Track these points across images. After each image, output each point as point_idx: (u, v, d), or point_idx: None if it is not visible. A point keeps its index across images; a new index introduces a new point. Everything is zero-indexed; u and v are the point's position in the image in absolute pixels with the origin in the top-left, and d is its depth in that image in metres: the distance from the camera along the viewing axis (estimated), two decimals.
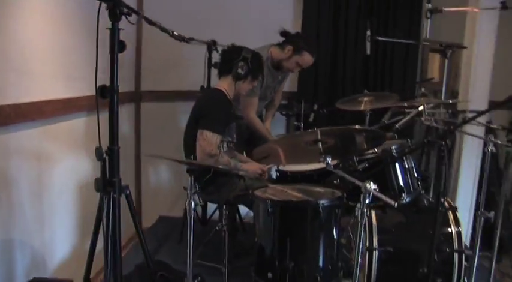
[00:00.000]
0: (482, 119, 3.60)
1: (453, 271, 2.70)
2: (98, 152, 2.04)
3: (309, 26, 4.46)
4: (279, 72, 3.74)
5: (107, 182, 2.07)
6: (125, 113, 3.91)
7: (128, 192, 2.15)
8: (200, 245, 3.84)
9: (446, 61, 3.38)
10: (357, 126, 2.50)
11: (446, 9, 3.00)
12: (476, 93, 3.88)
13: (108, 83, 2.03)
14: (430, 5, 2.94)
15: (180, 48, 3.62)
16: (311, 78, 4.52)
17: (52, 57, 2.73)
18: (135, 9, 2.08)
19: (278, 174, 3.18)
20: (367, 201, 1.94)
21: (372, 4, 4.45)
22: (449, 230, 2.80)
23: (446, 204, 2.90)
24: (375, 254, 2.70)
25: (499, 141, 2.36)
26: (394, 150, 2.59)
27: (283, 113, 4.40)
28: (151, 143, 4.30)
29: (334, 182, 2.68)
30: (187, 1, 4.25)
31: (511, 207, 4.24)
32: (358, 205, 1.97)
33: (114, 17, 1.98)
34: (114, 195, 2.07)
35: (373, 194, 1.92)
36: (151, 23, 2.30)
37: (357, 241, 1.97)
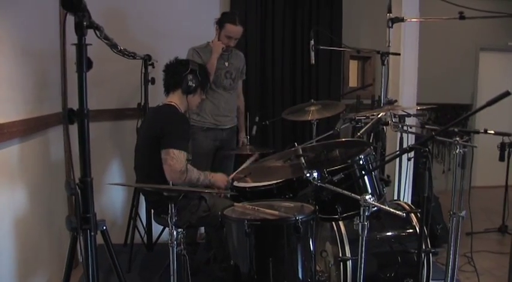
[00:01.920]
0: (412, 122, 3.80)
1: (422, 271, 2.78)
2: (69, 185, 1.80)
3: None
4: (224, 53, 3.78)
5: (81, 219, 1.83)
6: (53, 136, 3.59)
7: (104, 228, 1.94)
8: (148, 271, 3.66)
9: (383, 68, 3.47)
10: (342, 139, 2.47)
11: (408, 19, 3.08)
12: (405, 96, 4.07)
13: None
14: (391, 14, 3.00)
15: (112, 65, 3.43)
16: (242, 91, 4.48)
17: None
18: (97, 24, 1.89)
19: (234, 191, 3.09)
20: (366, 213, 1.92)
21: (296, 15, 4.57)
22: (412, 231, 2.89)
23: (407, 207, 2.99)
24: (349, 263, 2.70)
25: (468, 144, 2.45)
26: (363, 160, 2.60)
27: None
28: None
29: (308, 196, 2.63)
30: (113, 15, 4.00)
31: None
32: (357, 219, 1.95)
33: (81, 31, 1.75)
34: (91, 233, 1.84)
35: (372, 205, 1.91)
36: (106, 37, 2.12)
37: (361, 253, 1.94)
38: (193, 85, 2.97)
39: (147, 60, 3.57)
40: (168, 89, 3.05)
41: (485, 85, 6.72)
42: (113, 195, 4.28)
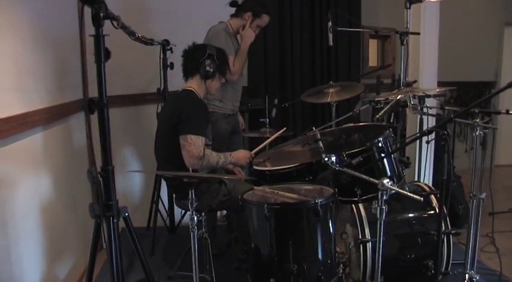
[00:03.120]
0: (433, 103, 3.76)
1: (443, 252, 2.79)
2: (91, 173, 1.84)
3: None
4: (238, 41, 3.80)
5: (104, 207, 1.87)
6: (75, 123, 3.65)
7: (126, 214, 1.98)
8: (171, 254, 3.72)
9: (403, 48, 3.43)
10: (361, 123, 2.47)
11: None
12: (425, 76, 4.02)
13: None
14: None
15: (130, 51, 3.46)
16: (261, 73, 4.48)
17: (3, 69, 2.46)
18: (114, 14, 1.91)
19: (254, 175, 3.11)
20: (384, 197, 1.93)
21: None
22: (432, 212, 2.89)
23: (427, 188, 2.98)
24: (369, 245, 2.72)
25: (489, 125, 2.43)
26: (382, 143, 2.59)
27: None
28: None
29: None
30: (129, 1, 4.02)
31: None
32: (375, 202, 1.95)
33: (98, 22, 1.78)
34: (114, 220, 1.89)
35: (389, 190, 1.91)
36: (123, 26, 2.14)
37: (379, 237, 1.95)
38: (212, 70, 2.97)
39: (165, 46, 3.58)
40: (187, 74, 3.05)
41: (510, 61, 6.57)
42: (135, 179, 4.34)
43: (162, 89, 3.66)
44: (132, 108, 4.16)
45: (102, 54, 1.80)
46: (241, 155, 3.06)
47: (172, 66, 3.61)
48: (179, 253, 3.41)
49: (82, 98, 3.74)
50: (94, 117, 1.91)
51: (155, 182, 3.86)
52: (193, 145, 2.79)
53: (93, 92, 3.73)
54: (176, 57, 3.53)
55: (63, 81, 3.37)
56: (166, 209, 4.02)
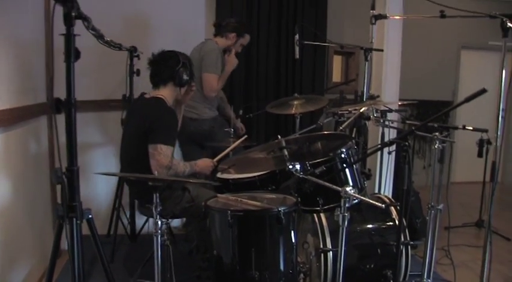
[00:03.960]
0: (394, 117, 3.87)
1: (400, 263, 2.85)
2: (56, 173, 1.81)
3: None
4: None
5: (67, 208, 1.85)
6: (37, 126, 3.59)
7: (89, 216, 1.96)
8: (132, 262, 3.68)
9: (367, 63, 3.53)
10: (324, 132, 2.51)
11: (391, 16, 3.15)
12: (387, 92, 4.14)
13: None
14: (374, 11, 3.05)
15: (97, 56, 3.44)
16: (226, 83, 4.49)
17: None
18: (85, 15, 1.90)
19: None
20: (347, 205, 1.97)
21: (281, 10, 4.61)
22: (391, 223, 2.96)
23: (387, 199, 3.05)
24: (330, 255, 2.76)
25: (447, 139, 2.52)
26: (344, 154, 2.65)
27: None
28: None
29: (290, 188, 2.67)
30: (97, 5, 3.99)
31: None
32: (338, 210, 1.99)
33: (70, 22, 1.77)
34: (78, 222, 1.87)
35: (351, 198, 1.95)
36: (93, 28, 2.13)
37: (341, 244, 1.98)
38: (187, 78, 3.00)
39: (132, 52, 3.56)
40: (159, 81, 3.01)
41: (466, 82, 6.85)
42: (96, 186, 4.28)
43: (127, 95, 3.64)
44: (96, 114, 4.11)
45: (72, 53, 1.79)
46: (204, 163, 3.08)
47: (138, 72, 3.60)
48: (140, 261, 3.37)
49: (45, 101, 3.68)
50: (58, 120, 1.89)
51: (117, 188, 3.82)
52: (163, 155, 2.78)
53: (57, 94, 3.68)
54: (143, 64, 3.55)
55: (27, 83, 3.32)
56: (127, 216, 3.97)
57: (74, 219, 1.86)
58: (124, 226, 3.95)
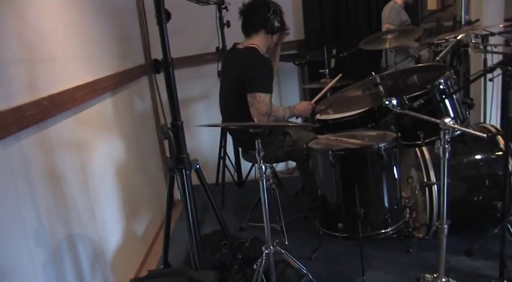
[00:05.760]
0: (498, 41, 3.61)
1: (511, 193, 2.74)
2: (162, 129, 1.95)
3: None
4: None
5: (176, 160, 1.99)
6: (139, 87, 3.81)
7: (197, 166, 2.10)
8: (241, 207, 3.87)
9: None
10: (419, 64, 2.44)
11: None
12: (489, 13, 3.86)
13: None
14: None
15: (186, 13, 3.53)
16: (317, 25, 4.44)
17: (70, 40, 2.59)
18: None
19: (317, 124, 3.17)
20: (447, 136, 1.93)
21: None
22: (500, 153, 2.84)
23: (493, 129, 2.92)
24: (434, 188, 2.73)
25: None
26: (443, 85, 2.56)
27: (296, 62, 4.33)
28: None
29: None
30: None
31: None
32: (438, 142, 1.96)
33: None
34: (187, 172, 2.01)
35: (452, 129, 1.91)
36: None
37: (443, 176, 1.97)
38: (278, 24, 3.02)
39: (220, 5, 3.62)
40: (251, 30, 3.05)
41: None
42: (200, 138, 4.49)
43: (221, 47, 3.72)
44: (193, 69, 4.26)
45: (163, 15, 1.88)
46: (303, 106, 3.12)
47: (229, 24, 3.66)
48: (248, 206, 3.55)
49: (144, 62, 3.88)
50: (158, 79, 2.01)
51: (221, 138, 3.98)
52: (262, 103, 2.86)
53: (154, 55, 3.86)
54: (231, 16, 3.60)
55: (125, 47, 3.51)
56: (233, 164, 4.15)
57: (183, 170, 2.00)
58: (231, 174, 4.14)
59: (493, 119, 3.82)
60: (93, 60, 2.85)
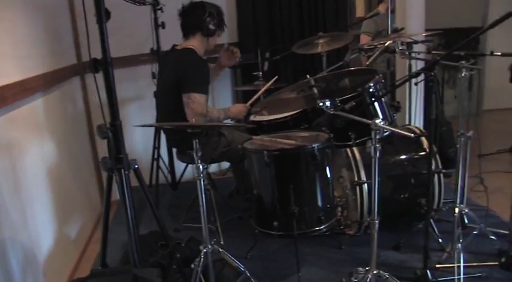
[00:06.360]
0: (421, 49, 3.83)
1: (433, 190, 2.93)
2: (100, 129, 1.93)
3: None
4: None
5: (115, 160, 1.97)
6: (71, 87, 3.72)
7: (136, 166, 2.08)
8: (175, 209, 3.86)
9: None
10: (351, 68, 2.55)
11: None
12: (412, 23, 4.09)
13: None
14: None
15: (119, 12, 3.47)
16: (251, 28, 4.51)
17: None
18: None
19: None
20: (378, 136, 2.03)
21: None
22: (424, 153, 3.02)
23: (418, 131, 3.10)
24: (365, 187, 2.85)
25: (474, 66, 2.52)
26: (373, 88, 2.69)
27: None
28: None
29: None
30: None
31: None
32: (369, 142, 2.06)
33: None
34: (126, 172, 1.99)
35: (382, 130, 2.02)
36: None
37: (374, 175, 2.07)
38: (214, 27, 3.04)
39: (155, 5, 3.59)
40: (188, 32, 3.08)
41: (496, 6, 6.59)
42: (133, 140, 4.40)
43: (155, 48, 3.70)
44: (127, 69, 4.19)
45: (103, 14, 1.86)
46: (237, 108, 3.17)
47: (164, 25, 3.65)
48: (182, 207, 3.54)
49: (75, 62, 3.79)
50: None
51: (154, 140, 3.94)
52: (197, 103, 2.89)
53: (85, 55, 3.76)
54: (167, 17, 3.59)
55: (57, 46, 3.41)
56: (167, 165, 4.12)
57: (122, 170, 1.99)
58: (165, 175, 4.12)
59: (417, 121, 4.05)
60: (21, 59, 2.75)
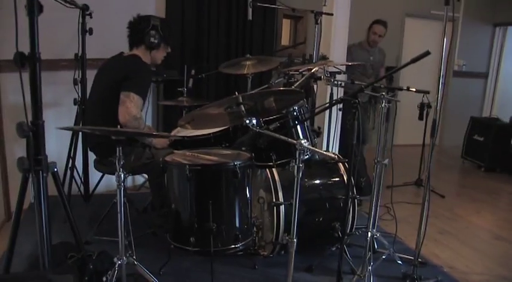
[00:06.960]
0: (343, 78, 4.01)
1: (348, 216, 3.02)
2: (21, 128, 1.83)
3: None
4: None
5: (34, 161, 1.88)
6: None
7: (55, 169, 1.99)
8: (86, 221, 3.69)
9: (317, 27, 3.64)
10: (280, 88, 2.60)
11: None
12: (336, 55, 4.27)
13: None
14: None
15: (46, 13, 3.34)
16: (178, 43, 4.51)
17: None
18: None
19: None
20: (302, 157, 2.08)
21: None
22: (339, 179, 3.12)
23: (335, 156, 3.20)
24: (282, 208, 2.89)
25: (393, 98, 2.67)
26: (297, 111, 2.77)
27: (153, 79, 4.32)
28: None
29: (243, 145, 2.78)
30: None
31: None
32: (293, 161, 2.09)
33: None
34: (44, 174, 1.90)
35: (305, 151, 2.07)
36: None
37: (296, 194, 2.10)
38: (156, 41, 3.03)
39: (84, 10, 3.49)
40: (132, 44, 3.09)
41: (409, 49, 7.09)
42: (47, 146, 4.19)
43: (80, 54, 3.58)
44: (47, 73, 3.98)
45: (36, 7, 1.79)
46: (159, 141, 3.13)
47: (91, 31, 3.54)
48: (94, 219, 3.40)
49: None
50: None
51: (70, 149, 3.77)
52: (134, 103, 2.83)
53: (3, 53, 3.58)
54: (95, 23, 3.50)
55: None
56: (81, 176, 3.95)
57: (41, 172, 1.89)
58: (78, 186, 3.94)
59: (335, 147, 4.20)
60: None
